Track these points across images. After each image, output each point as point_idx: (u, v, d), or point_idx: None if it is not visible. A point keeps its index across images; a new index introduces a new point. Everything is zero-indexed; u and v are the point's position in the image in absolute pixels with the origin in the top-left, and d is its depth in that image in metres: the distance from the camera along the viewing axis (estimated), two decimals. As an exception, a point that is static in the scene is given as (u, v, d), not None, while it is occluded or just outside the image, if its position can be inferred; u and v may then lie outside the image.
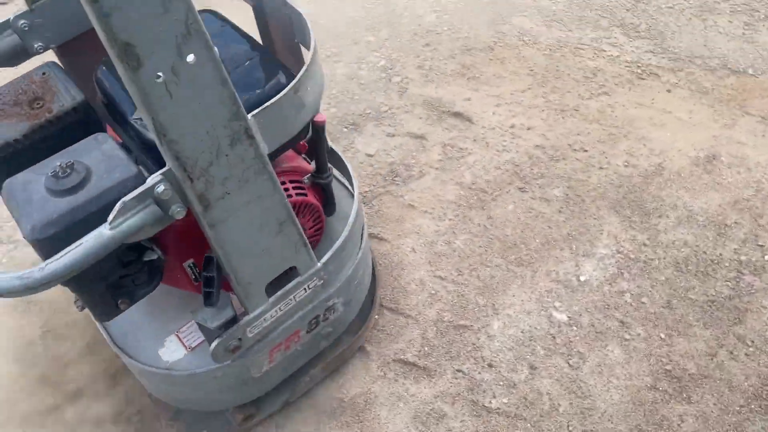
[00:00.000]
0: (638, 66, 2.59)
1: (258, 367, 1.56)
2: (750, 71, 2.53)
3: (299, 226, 1.34)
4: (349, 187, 1.75)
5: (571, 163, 2.28)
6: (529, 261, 2.04)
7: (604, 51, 2.67)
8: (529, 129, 2.41)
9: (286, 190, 1.43)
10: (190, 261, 1.43)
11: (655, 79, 2.54)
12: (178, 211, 1.12)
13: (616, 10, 2.84)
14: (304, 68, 1.22)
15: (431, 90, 2.58)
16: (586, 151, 2.32)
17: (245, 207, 1.20)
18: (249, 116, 1.11)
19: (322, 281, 1.51)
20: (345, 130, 2.48)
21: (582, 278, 1.99)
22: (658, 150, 2.30)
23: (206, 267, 1.33)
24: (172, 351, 1.56)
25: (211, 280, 1.34)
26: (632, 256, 2.02)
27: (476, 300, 1.96)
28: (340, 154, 1.73)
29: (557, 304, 1.94)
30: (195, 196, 1.11)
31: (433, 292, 1.98)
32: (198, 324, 1.39)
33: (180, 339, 1.58)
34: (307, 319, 1.57)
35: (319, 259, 1.48)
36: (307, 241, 1.40)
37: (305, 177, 1.51)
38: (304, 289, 1.48)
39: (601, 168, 2.26)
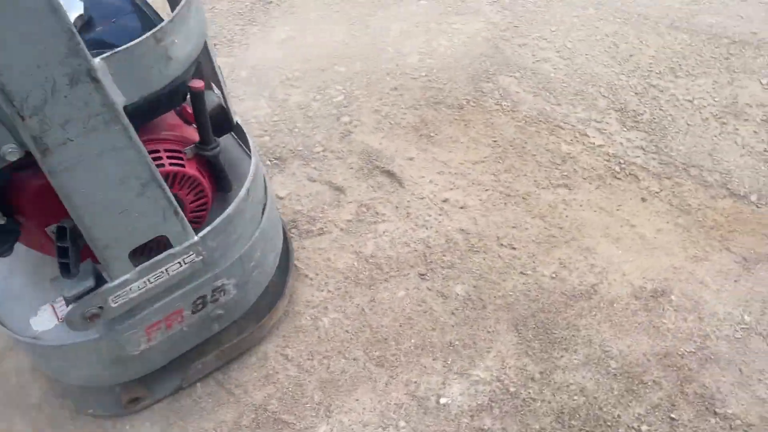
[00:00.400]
0: (619, 162, 2.27)
1: (134, 345, 1.52)
2: (753, 197, 2.14)
3: (168, 191, 1.29)
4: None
5: (490, 260, 2.02)
6: (392, 363, 1.81)
7: (587, 136, 2.36)
8: (462, 208, 2.16)
9: (160, 158, 1.37)
10: (54, 227, 1.36)
11: (632, 182, 2.21)
12: (10, 152, 1.08)
13: (622, 91, 2.51)
14: (169, 18, 1.15)
15: (376, 140, 2.39)
16: (514, 248, 2.04)
17: (95, 159, 1.15)
18: (97, 59, 1.06)
19: (201, 257, 1.45)
20: (268, 163, 2.34)
21: (442, 400, 1.73)
22: (600, 268, 1.99)
23: (59, 237, 1.28)
24: (44, 320, 1.53)
25: (65, 251, 1.28)
26: (512, 390, 1.74)
27: (313, 394, 1.75)
28: (243, 128, 1.67)
29: (402, 423, 1.70)
30: (30, 138, 1.06)
31: (271, 372, 1.80)
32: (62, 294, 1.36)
33: (54, 309, 1.54)
34: (190, 298, 1.53)
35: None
36: (180, 211, 1.34)
37: (187, 148, 1.44)
38: (179, 263, 1.43)
39: (522, 273, 1.98)
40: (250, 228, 1.59)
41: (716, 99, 2.47)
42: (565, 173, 2.24)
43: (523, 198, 2.18)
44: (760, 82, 2.52)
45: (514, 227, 2.10)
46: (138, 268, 1.37)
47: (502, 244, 2.06)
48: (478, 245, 2.06)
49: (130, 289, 1.39)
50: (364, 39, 2.80)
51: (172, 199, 1.31)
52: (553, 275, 1.98)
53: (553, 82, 2.56)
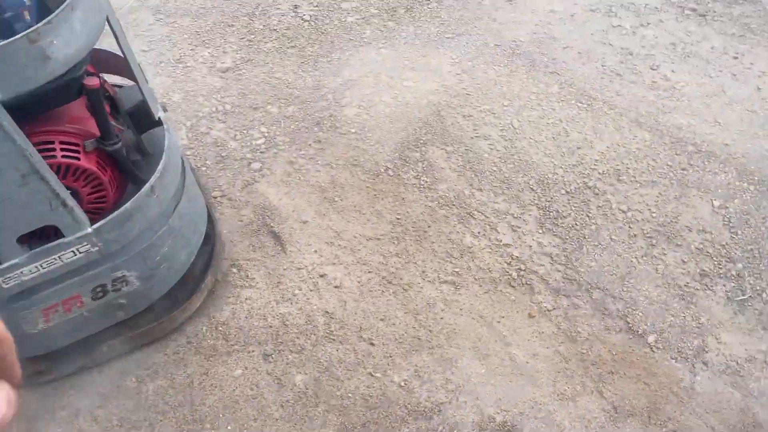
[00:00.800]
0: (520, 268, 2.11)
1: (31, 324, 1.60)
2: (650, 339, 1.95)
3: (53, 183, 1.34)
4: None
5: (343, 352, 1.91)
6: (199, 448, 1.73)
7: (497, 231, 2.20)
8: (336, 287, 2.05)
9: (52, 150, 1.43)
10: None
11: (526, 293, 2.05)
12: None
13: (554, 186, 2.34)
14: (47, 18, 1.20)
15: (278, 194, 2.30)
16: (372, 344, 1.92)
17: None
18: None
19: (96, 248, 1.51)
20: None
21: (234, 502, 1.64)
22: (455, 385, 1.84)
23: None
24: None
25: None
26: (310, 506, 1.63)
27: (106, 464, 1.69)
28: (166, 125, 1.71)
29: None
30: None
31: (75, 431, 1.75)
32: None
33: None
34: (88, 285, 1.59)
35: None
36: (70, 202, 1.40)
37: (88, 141, 1.49)
38: (73, 252, 1.49)
39: (371, 374, 1.86)
40: (156, 223, 1.64)
41: (654, 214, 2.26)
42: (458, 269, 2.10)
43: (404, 288, 2.05)
44: (712, 204, 2.29)
45: (382, 320, 1.98)
46: (29, 254, 1.42)
47: (362, 337, 1.94)
48: (337, 333, 1.95)
49: (22, 272, 1.45)
50: (309, 81, 2.71)
51: (60, 190, 1.35)
52: (403, 383, 1.85)
53: (483, 163, 2.41)
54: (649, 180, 2.36)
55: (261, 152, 2.44)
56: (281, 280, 2.07)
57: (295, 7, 3.03)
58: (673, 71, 2.77)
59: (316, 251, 2.14)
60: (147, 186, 1.56)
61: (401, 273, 2.09)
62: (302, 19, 2.97)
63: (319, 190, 2.32)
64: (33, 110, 1.40)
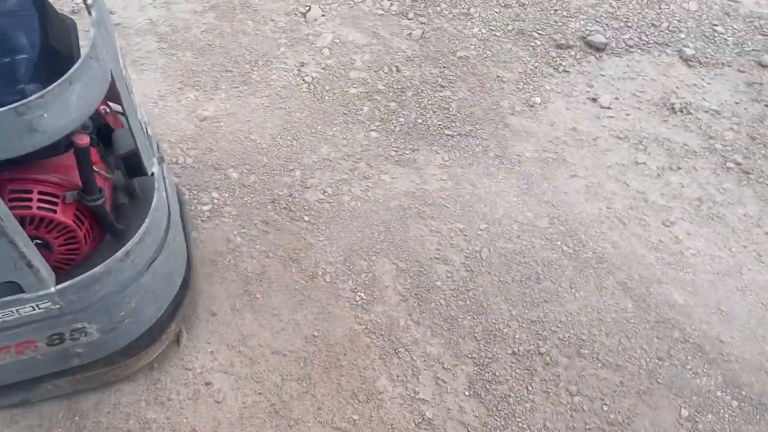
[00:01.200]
0: (424, 418, 1.83)
1: None
2: None
3: (20, 245, 1.29)
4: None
5: (192, 485, 1.68)
6: None
7: (418, 381, 1.94)
8: (217, 403, 1.85)
9: (29, 200, 1.39)
10: None
11: (422, 469, 1.77)
12: None
13: (501, 342, 2.05)
14: (38, 94, 1.15)
15: (199, 275, 2.11)
16: (227, 485, 1.69)
17: None
18: None
19: (57, 306, 1.47)
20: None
21: None
22: None
23: None
24: None
25: None
26: None
27: None
28: (157, 183, 1.65)
29: None
30: None
31: None
32: None
33: None
34: (44, 332, 1.55)
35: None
36: (36, 263, 1.34)
37: (69, 192, 1.45)
38: (33, 307, 1.45)
39: None
40: (125, 284, 1.58)
41: (606, 408, 1.94)
42: (357, 416, 1.85)
43: (290, 425, 1.82)
44: (680, 412, 1.95)
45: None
46: None
47: (219, 472, 1.71)
48: (195, 460, 1.73)
49: None
50: (283, 150, 2.52)
51: (26, 252, 1.31)
52: None
53: (433, 293, 2.14)
54: (614, 362, 2.04)
55: (202, 220, 2.27)
56: (162, 377, 1.87)
57: (302, 65, 2.87)
58: (688, 233, 2.43)
59: (212, 352, 1.94)
60: (122, 251, 1.48)
61: (293, 404, 1.86)
62: (303, 80, 2.80)
63: (244, 280, 2.12)
64: (18, 160, 1.35)
